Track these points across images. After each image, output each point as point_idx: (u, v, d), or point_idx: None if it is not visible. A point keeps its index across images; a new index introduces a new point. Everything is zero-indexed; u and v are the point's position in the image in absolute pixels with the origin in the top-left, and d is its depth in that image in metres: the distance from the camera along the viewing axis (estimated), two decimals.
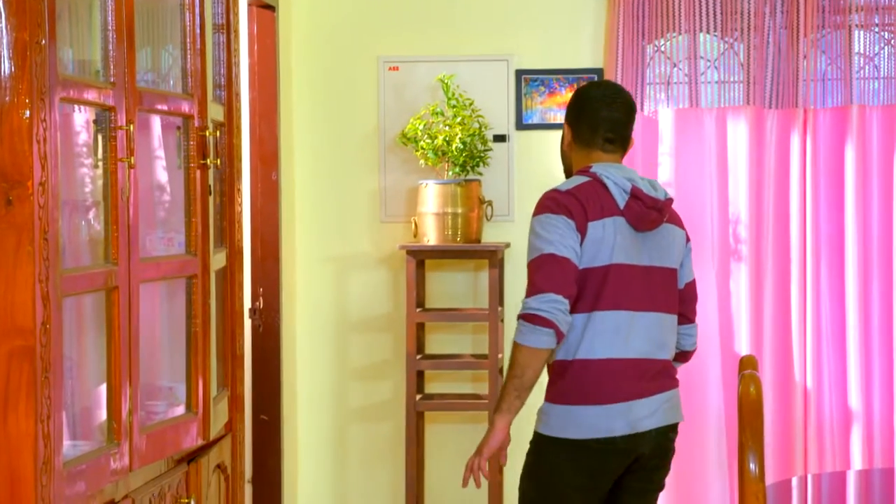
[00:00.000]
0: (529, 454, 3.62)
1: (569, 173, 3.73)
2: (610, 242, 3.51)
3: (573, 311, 3.48)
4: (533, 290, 3.46)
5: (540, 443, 3.58)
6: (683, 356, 3.75)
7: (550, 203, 3.53)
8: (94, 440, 3.08)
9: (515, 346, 3.46)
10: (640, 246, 3.57)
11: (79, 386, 3.12)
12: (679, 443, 5.28)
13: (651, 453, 3.57)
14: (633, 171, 3.66)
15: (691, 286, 3.77)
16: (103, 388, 3.07)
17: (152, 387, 3.50)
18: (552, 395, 3.55)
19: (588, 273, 3.49)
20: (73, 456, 2.88)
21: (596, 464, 3.52)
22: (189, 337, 3.50)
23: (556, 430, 3.53)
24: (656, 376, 3.56)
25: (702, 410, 5.30)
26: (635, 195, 3.55)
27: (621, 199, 3.54)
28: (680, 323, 3.68)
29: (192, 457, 3.53)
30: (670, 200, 3.67)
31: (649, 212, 3.56)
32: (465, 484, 3.60)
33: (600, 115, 3.66)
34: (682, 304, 3.71)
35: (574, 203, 3.51)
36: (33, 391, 2.63)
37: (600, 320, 3.50)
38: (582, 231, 3.49)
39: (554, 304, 3.42)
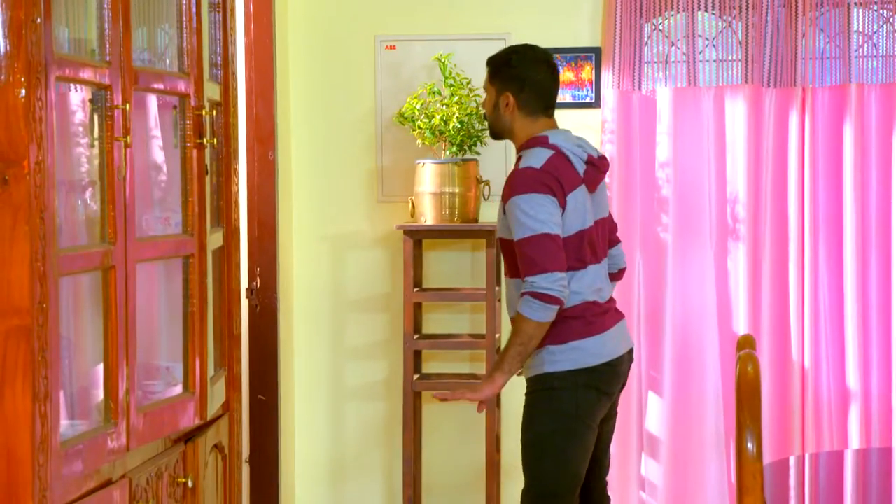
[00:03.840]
0: (536, 398, 3.95)
1: (501, 136, 4.09)
2: (581, 210, 3.92)
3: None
4: (537, 268, 3.83)
5: (552, 380, 3.91)
6: (620, 274, 4.23)
7: (533, 182, 3.86)
8: (91, 420, 3.09)
9: (524, 319, 3.84)
10: (591, 204, 4.00)
11: (76, 365, 3.12)
12: (676, 422, 5.33)
13: (624, 376, 4.05)
14: (573, 135, 4.05)
15: (611, 215, 4.20)
16: (100, 367, 3.07)
17: (149, 366, 3.50)
18: (555, 338, 3.91)
19: (569, 240, 3.89)
20: (71, 435, 2.89)
21: (606, 386, 3.95)
22: (186, 317, 3.50)
23: (570, 364, 3.91)
24: (614, 311, 4.07)
25: (699, 390, 5.31)
26: (590, 161, 3.97)
27: (580, 168, 3.94)
28: (610, 246, 4.15)
29: (190, 436, 3.54)
30: (603, 156, 4.08)
31: (599, 174, 4.01)
32: (441, 398, 3.98)
33: (546, 85, 4.04)
34: (611, 231, 4.17)
35: (553, 181, 3.87)
36: (30, 371, 2.63)
37: (582, 275, 3.94)
38: (563, 205, 3.88)
39: (559, 282, 3.82)
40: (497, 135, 4.11)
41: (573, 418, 3.91)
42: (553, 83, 4.07)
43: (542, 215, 3.83)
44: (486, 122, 4.18)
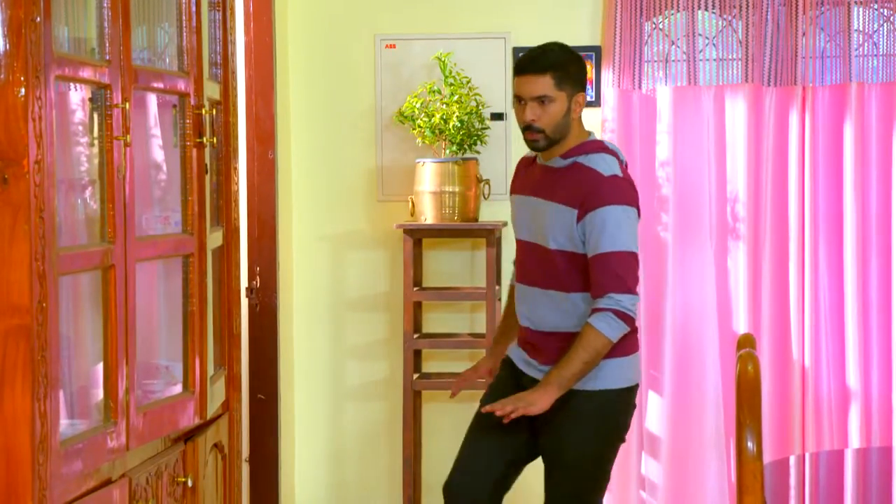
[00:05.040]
0: (593, 419, 3.77)
1: (552, 145, 3.79)
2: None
3: None
4: (624, 287, 3.68)
5: (617, 398, 3.79)
6: None
7: (625, 194, 3.72)
8: (90, 419, 3.09)
9: (599, 335, 3.66)
10: None
11: (75, 365, 3.12)
12: (676, 421, 5.33)
13: None
14: None
15: None
16: (100, 366, 3.07)
17: (149, 366, 3.50)
18: (612, 351, 3.73)
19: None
20: (70, 435, 2.89)
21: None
22: (186, 316, 3.50)
23: (626, 381, 3.80)
24: None
25: (699, 389, 5.31)
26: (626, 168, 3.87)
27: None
28: None
29: (189, 436, 3.54)
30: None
31: None
32: (488, 411, 3.74)
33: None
34: None
35: (635, 193, 3.78)
36: (30, 370, 2.63)
37: None
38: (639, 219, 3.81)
39: (637, 305, 3.73)
40: (550, 146, 3.79)
41: (622, 439, 3.86)
42: None
43: (634, 232, 3.72)
44: (535, 133, 3.77)
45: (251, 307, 5.15)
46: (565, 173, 3.79)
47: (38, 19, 2.64)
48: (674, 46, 5.33)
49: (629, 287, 3.68)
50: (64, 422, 2.90)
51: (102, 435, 2.98)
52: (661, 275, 5.32)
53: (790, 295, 5.28)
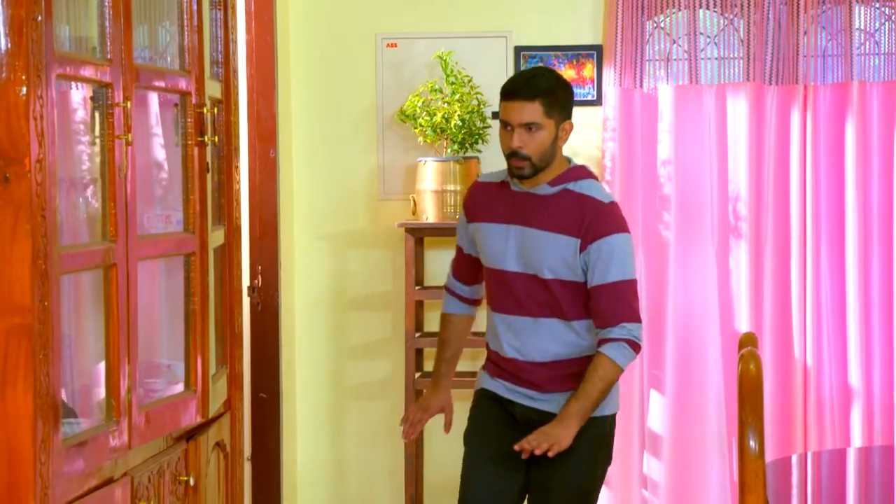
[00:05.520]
0: (597, 444, 3.73)
1: (536, 173, 3.66)
2: None
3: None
4: (635, 316, 3.66)
5: (612, 423, 3.80)
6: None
7: (624, 221, 3.70)
8: (93, 418, 3.09)
9: (615, 366, 3.62)
10: None
11: (77, 364, 3.13)
12: (678, 420, 5.32)
13: None
14: None
15: None
16: (102, 365, 3.07)
17: (151, 364, 3.50)
18: None
19: None
20: (72, 433, 2.89)
21: None
22: (187, 315, 3.50)
23: (616, 406, 3.81)
24: None
25: (701, 388, 5.30)
26: None
27: None
28: None
29: (191, 435, 3.54)
30: None
31: None
32: (519, 448, 3.60)
33: None
34: None
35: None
36: (31, 369, 2.63)
37: None
38: None
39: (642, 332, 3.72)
40: (535, 173, 3.67)
41: (610, 462, 3.83)
42: None
43: (632, 259, 3.69)
44: (520, 161, 3.65)
45: (253, 306, 5.15)
46: (554, 201, 3.69)
47: (40, 18, 2.63)
48: (675, 45, 5.33)
49: (638, 316, 3.67)
50: (65, 421, 2.89)
51: (104, 434, 2.97)
52: (662, 274, 5.32)
53: (792, 293, 5.28)
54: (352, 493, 5.58)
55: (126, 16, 3.07)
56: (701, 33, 5.30)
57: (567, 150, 5.38)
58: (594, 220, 3.64)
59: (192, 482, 3.46)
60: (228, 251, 3.86)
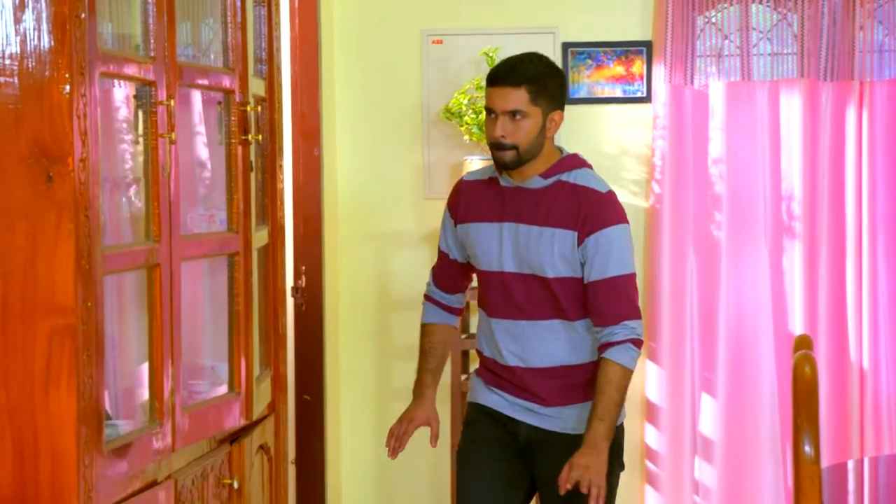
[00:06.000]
0: (610, 457, 3.54)
1: (520, 165, 3.55)
2: None
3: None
4: (638, 314, 3.55)
5: (621, 434, 3.68)
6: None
7: (623, 211, 3.59)
8: (136, 420, 3.11)
9: (626, 371, 3.51)
10: None
11: (120, 365, 3.15)
12: (731, 424, 5.29)
13: None
14: None
15: None
16: (145, 367, 3.09)
17: (194, 366, 3.52)
18: None
19: None
20: (116, 436, 2.91)
21: None
22: (231, 316, 3.51)
23: (624, 415, 3.67)
24: None
25: (754, 391, 5.27)
26: None
27: None
28: None
29: (235, 437, 3.55)
30: None
31: None
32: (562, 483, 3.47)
33: None
34: None
35: None
36: (75, 370, 2.65)
37: None
38: None
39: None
40: (520, 165, 3.55)
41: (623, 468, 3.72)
42: None
43: (631, 251, 3.57)
44: (504, 151, 3.53)
45: (297, 307, 5.17)
46: (548, 194, 3.57)
47: (83, 15, 2.65)
48: (727, 41, 5.30)
49: (639, 311, 3.56)
50: (109, 423, 2.91)
51: (148, 436, 2.99)
52: (714, 275, 5.29)
53: (847, 294, 5.24)
54: (398, 495, 5.58)
55: (169, 13, 3.08)
56: (753, 28, 5.27)
57: (616, 147, 5.42)
58: (591, 211, 3.52)
59: (235, 485, 3.48)
60: (272, 251, 3.87)
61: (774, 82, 5.29)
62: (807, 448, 2.80)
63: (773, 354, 5.27)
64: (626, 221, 3.58)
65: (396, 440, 3.80)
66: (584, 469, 3.43)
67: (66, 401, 2.65)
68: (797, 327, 5.26)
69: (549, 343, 3.60)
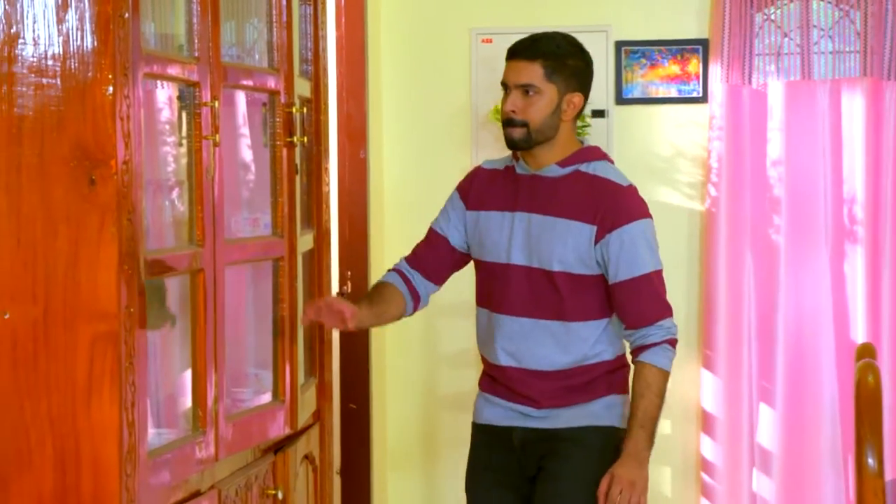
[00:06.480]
0: (598, 458, 3.48)
1: (532, 146, 3.49)
2: None
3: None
4: (669, 310, 3.48)
5: (618, 436, 3.52)
6: None
7: (645, 206, 3.50)
8: (178, 428, 3.12)
9: (663, 374, 3.45)
10: None
11: (163, 372, 3.16)
12: (790, 435, 5.26)
13: None
14: None
15: None
16: (188, 374, 3.10)
17: (238, 373, 3.52)
18: (621, 386, 3.56)
19: None
20: (158, 444, 2.92)
21: None
22: (276, 322, 3.52)
23: (626, 419, 3.53)
24: None
25: (814, 401, 5.24)
26: None
27: None
28: None
29: (280, 446, 3.56)
30: None
31: None
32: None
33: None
34: None
35: None
36: (117, 378, 2.66)
37: None
38: None
39: None
40: (530, 145, 3.49)
41: None
42: None
43: (656, 247, 3.48)
44: (514, 128, 3.49)
45: None
46: (565, 183, 3.49)
47: (127, 15, 2.66)
48: (787, 39, 5.27)
49: (670, 307, 3.49)
50: (151, 431, 2.93)
51: (191, 445, 3.00)
52: (773, 280, 5.26)
53: None
54: None
55: (213, 12, 3.09)
56: (814, 26, 5.24)
57: (670, 149, 5.40)
58: (613, 205, 3.42)
59: (280, 496, 3.48)
60: (318, 256, 3.88)
61: (836, 81, 5.26)
62: (870, 460, 2.78)
63: (834, 363, 5.23)
64: (650, 216, 3.48)
65: (313, 309, 3.50)
66: (628, 485, 3.38)
67: (108, 409, 2.67)
68: (859, 335, 5.22)
69: (546, 346, 3.52)
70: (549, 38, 3.50)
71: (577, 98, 3.49)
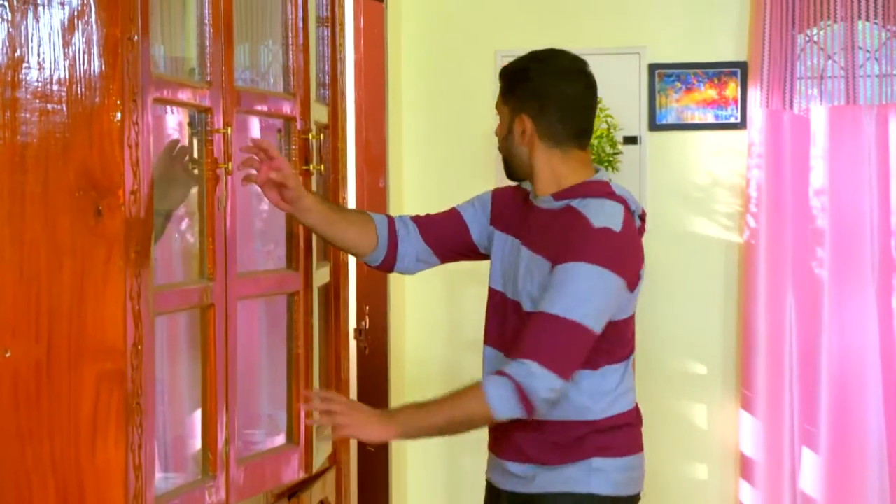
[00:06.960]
0: None
1: (516, 174, 3.42)
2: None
3: (610, 360, 3.31)
4: (554, 366, 3.18)
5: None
6: None
7: (609, 253, 3.20)
8: (187, 472, 3.12)
9: (486, 404, 3.21)
10: None
11: (171, 413, 3.16)
12: (834, 482, 5.23)
13: None
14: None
15: None
16: (198, 415, 3.10)
17: (250, 414, 3.53)
18: (609, 449, 3.34)
19: (627, 322, 3.33)
20: (166, 489, 2.92)
21: None
22: (290, 360, 3.52)
23: (611, 486, 3.33)
24: None
25: (860, 445, 5.21)
26: (642, 219, 3.39)
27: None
28: None
29: (294, 491, 3.55)
30: (644, 212, 3.47)
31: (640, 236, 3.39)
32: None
33: (579, 104, 3.34)
34: None
35: (631, 254, 3.27)
36: (124, 418, 2.66)
37: (628, 366, 3.36)
38: (632, 288, 3.28)
39: (554, 392, 3.21)
40: (513, 172, 3.42)
41: None
42: (591, 101, 3.38)
43: (596, 303, 3.16)
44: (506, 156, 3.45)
45: (360, 350, 5.18)
46: (552, 218, 3.33)
47: (136, 38, 2.67)
48: (830, 61, 5.27)
49: (561, 367, 3.12)
50: (159, 475, 2.93)
51: (200, 490, 3.00)
52: (815, 317, 5.25)
53: None
54: None
55: (227, 34, 3.10)
56: (860, 47, 5.24)
57: (707, 178, 5.39)
58: (570, 240, 3.21)
59: None
60: (334, 290, 3.88)
61: (883, 106, 5.25)
62: None
63: (881, 404, 5.21)
64: (610, 267, 3.17)
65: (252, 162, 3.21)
66: (342, 406, 3.24)
67: (113, 451, 2.66)
68: None
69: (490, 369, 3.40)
70: (523, 57, 3.39)
71: (524, 122, 3.32)
